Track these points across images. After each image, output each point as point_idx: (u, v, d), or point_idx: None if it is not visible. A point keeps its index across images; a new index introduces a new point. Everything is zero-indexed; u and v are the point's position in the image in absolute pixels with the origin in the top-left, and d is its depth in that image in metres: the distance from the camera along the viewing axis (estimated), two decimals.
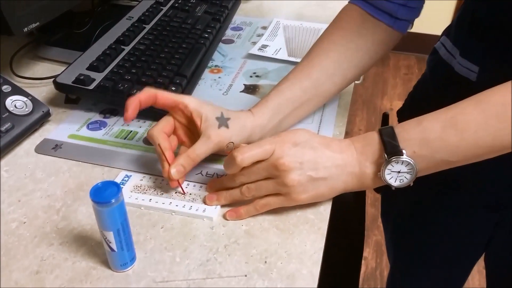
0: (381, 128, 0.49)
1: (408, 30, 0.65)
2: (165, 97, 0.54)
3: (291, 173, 0.48)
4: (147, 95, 0.54)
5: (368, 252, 1.64)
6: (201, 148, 0.52)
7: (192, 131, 0.56)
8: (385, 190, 0.81)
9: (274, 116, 0.59)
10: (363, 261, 1.61)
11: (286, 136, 0.50)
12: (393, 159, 0.47)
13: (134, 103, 0.53)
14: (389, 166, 0.47)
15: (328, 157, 0.49)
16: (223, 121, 0.54)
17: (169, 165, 0.51)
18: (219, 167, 0.57)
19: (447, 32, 0.67)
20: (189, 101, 0.54)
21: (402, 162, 0.47)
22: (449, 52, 0.64)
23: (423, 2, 0.61)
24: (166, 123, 0.55)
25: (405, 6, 0.59)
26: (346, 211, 0.79)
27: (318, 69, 0.61)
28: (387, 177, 0.48)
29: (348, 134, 2.19)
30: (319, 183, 0.49)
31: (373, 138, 0.49)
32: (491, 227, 0.70)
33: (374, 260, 1.61)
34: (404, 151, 0.47)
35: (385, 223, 0.87)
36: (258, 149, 0.48)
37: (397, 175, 0.48)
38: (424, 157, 0.47)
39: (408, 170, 0.48)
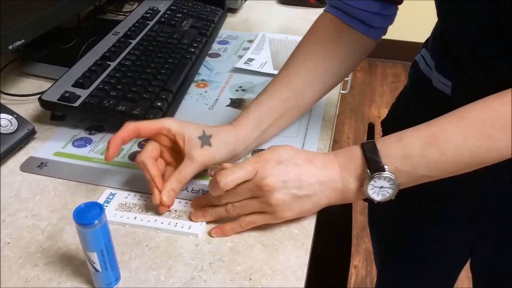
0: (363, 143, 0.50)
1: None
2: (147, 127, 0.54)
3: (275, 193, 0.48)
4: (129, 131, 0.53)
5: (358, 260, 1.65)
6: (187, 170, 0.53)
7: (177, 151, 0.56)
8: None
9: (256, 127, 0.60)
10: (353, 270, 1.62)
11: (269, 154, 0.50)
12: (376, 175, 0.48)
13: (116, 142, 0.52)
14: (372, 182, 0.48)
15: (312, 173, 0.50)
16: (205, 140, 0.54)
17: (159, 191, 0.51)
18: (205, 182, 0.58)
19: (426, 44, 0.68)
20: (171, 125, 0.55)
21: (385, 177, 0.48)
22: (428, 65, 0.65)
23: (397, 10, 0.62)
24: (153, 147, 0.55)
25: (379, 14, 0.60)
26: (332, 223, 0.80)
27: (297, 79, 0.61)
28: (370, 192, 0.49)
29: (336, 142, 2.20)
30: (303, 200, 0.49)
31: (356, 153, 0.50)
32: (473, 237, 0.71)
33: (364, 268, 1.62)
34: (386, 167, 0.48)
35: (372, 231, 0.87)
36: (241, 171, 0.49)
37: (379, 190, 0.49)
38: (405, 172, 0.48)
39: (390, 185, 0.48)
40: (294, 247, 0.50)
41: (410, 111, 0.71)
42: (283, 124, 0.63)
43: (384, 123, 0.80)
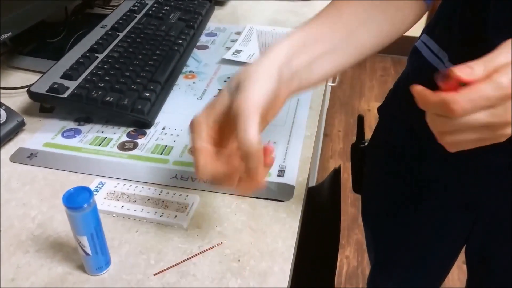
0: None
1: None
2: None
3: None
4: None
5: (349, 251, 1.66)
6: (251, 130, 0.40)
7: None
8: (365, 189, 0.83)
9: (301, 50, 0.47)
10: (345, 260, 1.63)
11: None
12: None
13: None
14: None
15: None
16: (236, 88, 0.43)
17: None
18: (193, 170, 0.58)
19: (429, 30, 0.65)
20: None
21: None
22: (435, 54, 0.61)
23: None
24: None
25: None
26: (321, 211, 0.81)
27: (349, 12, 0.52)
28: None
29: (327, 136, 2.22)
30: None
31: None
32: (467, 227, 0.71)
33: (356, 259, 1.64)
34: None
35: (365, 222, 0.88)
36: (486, 87, 0.35)
37: None
38: None
39: None
40: (282, 230, 0.51)
41: (411, 96, 0.68)
42: (334, 62, 0.51)
43: (380, 109, 0.77)
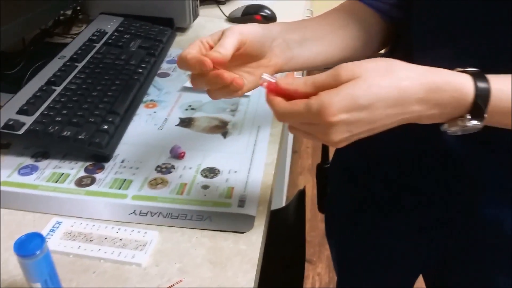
0: (478, 87, 0.42)
1: None
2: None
3: (336, 136, 0.42)
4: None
5: (321, 268, 1.67)
6: (224, 41, 0.50)
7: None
8: (327, 209, 0.84)
9: (291, 29, 0.58)
10: (316, 277, 1.64)
11: (346, 91, 0.41)
12: (472, 122, 0.43)
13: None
14: (463, 124, 0.43)
15: (390, 121, 0.42)
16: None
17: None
18: (155, 204, 0.58)
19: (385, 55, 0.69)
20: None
21: (477, 125, 0.43)
22: None
23: None
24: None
25: (397, 6, 0.61)
26: (286, 234, 0.82)
27: (332, 18, 0.62)
28: (453, 129, 0.44)
29: (296, 152, 2.24)
30: (363, 135, 0.44)
31: (466, 93, 0.42)
32: (424, 250, 0.71)
33: (327, 275, 1.65)
34: (485, 116, 0.42)
35: (330, 240, 0.89)
36: (299, 113, 0.42)
37: (462, 129, 0.44)
38: (497, 122, 0.45)
39: (477, 129, 0.44)
40: (242, 262, 0.51)
41: None
42: (322, 47, 0.59)
43: None
